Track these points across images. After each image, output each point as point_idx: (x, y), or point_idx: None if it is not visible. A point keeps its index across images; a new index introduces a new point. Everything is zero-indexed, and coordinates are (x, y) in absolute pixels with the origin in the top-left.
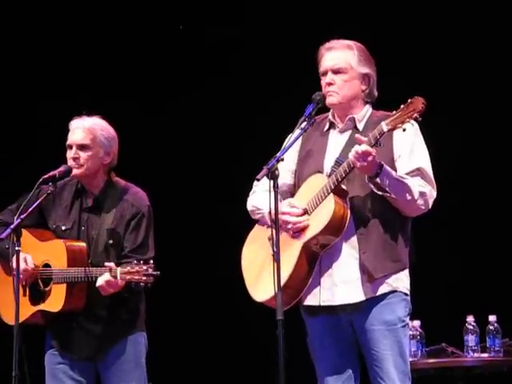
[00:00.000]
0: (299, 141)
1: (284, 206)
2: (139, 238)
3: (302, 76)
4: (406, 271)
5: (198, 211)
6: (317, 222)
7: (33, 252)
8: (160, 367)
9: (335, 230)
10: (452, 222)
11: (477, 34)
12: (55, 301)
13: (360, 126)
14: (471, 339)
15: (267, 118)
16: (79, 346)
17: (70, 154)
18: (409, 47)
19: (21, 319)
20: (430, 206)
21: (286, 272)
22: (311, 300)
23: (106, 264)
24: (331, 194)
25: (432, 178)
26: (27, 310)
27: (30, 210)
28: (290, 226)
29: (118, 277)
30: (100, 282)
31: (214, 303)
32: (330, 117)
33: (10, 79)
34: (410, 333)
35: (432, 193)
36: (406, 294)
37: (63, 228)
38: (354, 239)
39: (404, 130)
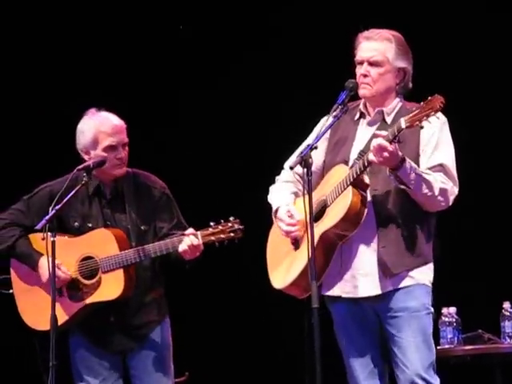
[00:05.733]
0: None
1: (282, 212)
2: (174, 217)
3: (329, 64)
4: (430, 265)
5: (222, 199)
6: (334, 214)
7: (65, 251)
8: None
9: (352, 222)
10: (487, 209)
11: (491, 33)
12: (111, 288)
13: (388, 120)
14: (508, 325)
15: (293, 105)
16: (117, 339)
17: (117, 154)
18: (424, 43)
19: (63, 320)
20: (451, 203)
21: (303, 261)
22: (332, 290)
23: (187, 232)
24: (350, 187)
25: (455, 174)
26: (70, 309)
27: (64, 200)
28: (282, 233)
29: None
30: (189, 242)
31: (239, 292)
32: (361, 106)
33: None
34: (447, 320)
35: (453, 190)
36: (427, 286)
37: (89, 225)
38: (374, 232)
39: (422, 127)
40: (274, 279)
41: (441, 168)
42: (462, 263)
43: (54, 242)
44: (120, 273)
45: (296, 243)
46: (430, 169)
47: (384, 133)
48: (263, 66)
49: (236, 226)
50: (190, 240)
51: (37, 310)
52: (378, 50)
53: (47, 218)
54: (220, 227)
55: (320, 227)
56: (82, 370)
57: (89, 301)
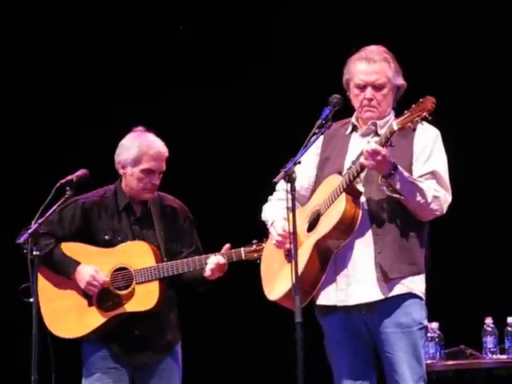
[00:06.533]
0: (320, 144)
1: (278, 224)
2: (193, 242)
3: (328, 67)
4: (422, 276)
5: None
6: (328, 221)
7: (98, 261)
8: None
9: (346, 228)
10: (470, 224)
11: (487, 33)
12: (145, 299)
13: (381, 132)
14: (490, 341)
15: (294, 105)
16: (139, 353)
17: (152, 179)
18: (419, 48)
19: (90, 329)
20: (445, 211)
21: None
22: (326, 299)
23: (225, 248)
24: (343, 194)
25: (447, 183)
26: (98, 319)
27: (47, 215)
28: (274, 243)
29: (244, 256)
30: (213, 262)
31: (231, 305)
32: (354, 119)
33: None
34: (429, 335)
35: (447, 197)
36: (421, 299)
37: (119, 239)
38: (370, 239)
39: (414, 129)
40: (268, 291)
41: (432, 176)
42: (445, 278)
43: (36, 257)
44: (155, 284)
45: (289, 255)
46: (421, 176)
47: (376, 139)
48: (264, 66)
49: None
50: (216, 258)
51: (62, 317)
52: (380, 72)
53: (30, 231)
54: (264, 245)
55: (314, 236)
56: (94, 377)
57: (121, 311)
